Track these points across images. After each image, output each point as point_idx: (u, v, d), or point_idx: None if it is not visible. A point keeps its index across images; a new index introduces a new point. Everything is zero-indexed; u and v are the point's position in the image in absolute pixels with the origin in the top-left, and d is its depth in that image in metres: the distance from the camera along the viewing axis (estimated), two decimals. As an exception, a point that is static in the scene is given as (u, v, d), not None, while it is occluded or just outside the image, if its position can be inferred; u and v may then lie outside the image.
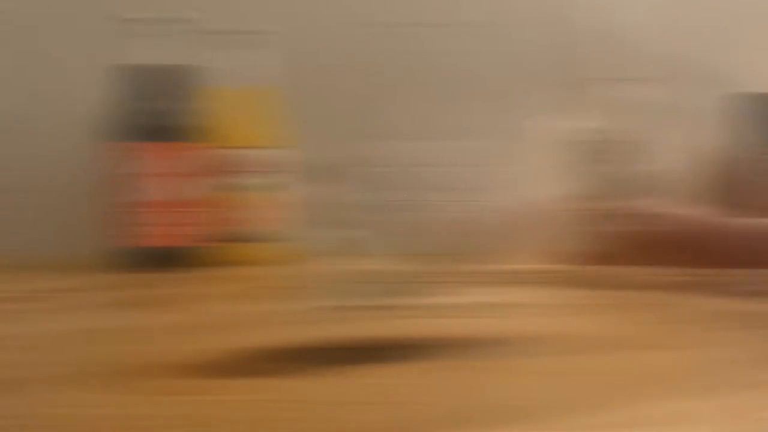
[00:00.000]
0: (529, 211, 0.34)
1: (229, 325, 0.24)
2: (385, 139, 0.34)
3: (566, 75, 0.65)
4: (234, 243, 0.46)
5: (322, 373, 0.17)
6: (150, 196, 0.41)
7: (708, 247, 0.32)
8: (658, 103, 0.34)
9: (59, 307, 0.28)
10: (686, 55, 0.70)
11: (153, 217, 0.41)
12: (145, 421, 0.14)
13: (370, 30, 0.57)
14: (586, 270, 0.34)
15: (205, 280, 0.38)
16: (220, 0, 0.52)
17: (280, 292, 0.33)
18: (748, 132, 0.61)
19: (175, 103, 0.44)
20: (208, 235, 0.46)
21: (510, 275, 0.40)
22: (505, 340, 0.21)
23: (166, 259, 0.42)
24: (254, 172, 0.46)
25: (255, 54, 0.48)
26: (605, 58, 0.65)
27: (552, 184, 0.35)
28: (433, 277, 0.32)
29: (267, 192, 0.48)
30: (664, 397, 0.15)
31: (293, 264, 0.46)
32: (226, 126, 0.46)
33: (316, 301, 0.29)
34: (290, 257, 0.50)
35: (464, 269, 0.34)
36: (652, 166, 0.34)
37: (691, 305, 0.28)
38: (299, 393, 0.16)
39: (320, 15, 0.55)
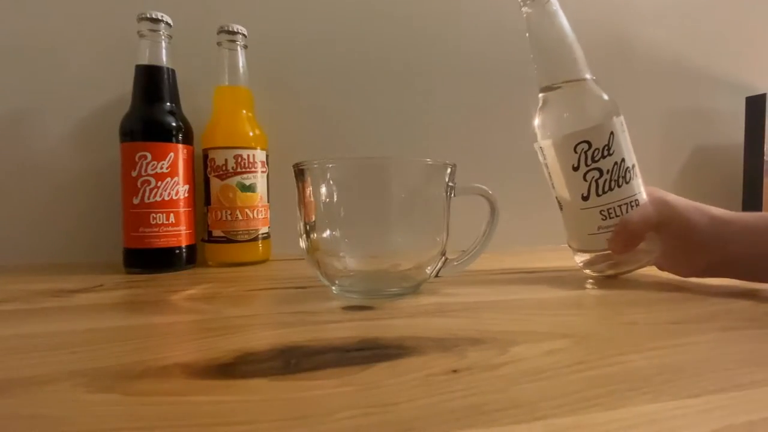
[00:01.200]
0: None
1: (227, 326, 0.24)
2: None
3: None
4: (231, 243, 0.46)
5: (317, 374, 0.17)
6: (150, 197, 0.41)
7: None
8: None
9: (59, 308, 0.28)
10: (702, 58, 0.70)
11: (153, 218, 0.41)
12: (144, 422, 0.14)
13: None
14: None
15: (202, 280, 0.38)
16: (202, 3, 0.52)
17: (275, 292, 0.33)
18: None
19: (172, 103, 0.44)
20: (206, 235, 0.46)
21: (515, 274, 0.40)
22: (492, 339, 0.21)
23: (165, 259, 0.42)
24: (249, 172, 0.46)
25: (241, 56, 0.48)
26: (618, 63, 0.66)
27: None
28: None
29: (261, 192, 0.48)
30: (653, 396, 0.15)
31: (285, 263, 0.46)
32: (219, 127, 0.46)
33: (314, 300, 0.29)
34: (282, 256, 0.51)
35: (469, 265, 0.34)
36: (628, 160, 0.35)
37: (685, 305, 0.28)
38: (292, 393, 0.16)
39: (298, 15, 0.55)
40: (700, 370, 0.18)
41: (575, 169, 0.35)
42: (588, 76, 0.36)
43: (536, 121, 0.38)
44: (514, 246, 0.59)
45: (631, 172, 0.35)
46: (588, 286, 0.35)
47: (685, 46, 0.70)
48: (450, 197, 0.31)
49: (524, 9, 0.37)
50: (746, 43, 0.74)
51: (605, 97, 0.35)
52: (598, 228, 0.35)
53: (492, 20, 0.61)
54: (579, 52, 0.36)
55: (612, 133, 0.34)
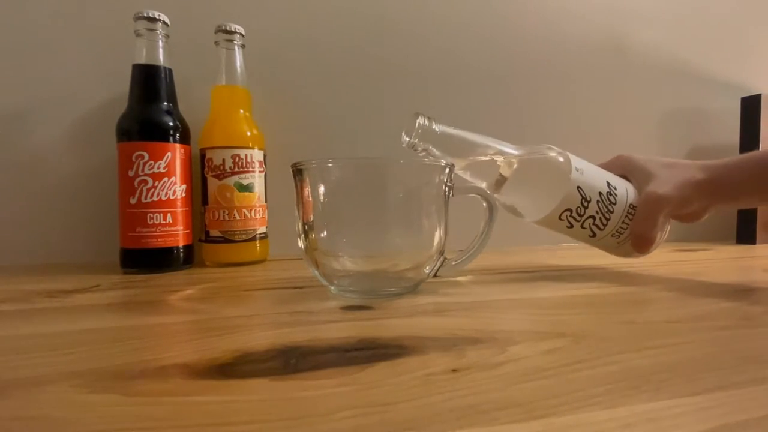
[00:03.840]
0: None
1: (225, 326, 0.24)
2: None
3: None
4: (229, 243, 0.46)
5: (317, 374, 0.17)
6: (147, 197, 0.41)
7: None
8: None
9: (55, 309, 0.28)
10: (698, 59, 0.71)
11: (150, 218, 0.41)
12: (144, 422, 0.14)
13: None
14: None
15: (200, 280, 0.38)
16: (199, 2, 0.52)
17: (273, 292, 0.33)
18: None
19: (170, 103, 0.43)
20: (203, 235, 0.46)
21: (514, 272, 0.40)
22: (491, 339, 0.21)
23: (162, 259, 0.42)
24: (246, 172, 0.46)
25: (238, 55, 0.48)
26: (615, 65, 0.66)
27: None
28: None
29: (259, 191, 0.48)
30: (651, 395, 0.15)
31: (283, 263, 0.46)
32: (216, 126, 0.46)
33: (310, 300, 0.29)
34: (280, 256, 0.50)
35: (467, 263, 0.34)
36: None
37: (682, 304, 0.28)
38: (292, 393, 0.16)
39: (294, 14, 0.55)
40: (697, 368, 0.18)
41: (570, 227, 0.36)
42: (522, 152, 0.36)
43: (505, 204, 0.37)
44: (512, 245, 0.60)
45: (612, 192, 0.36)
46: (586, 285, 0.35)
47: (681, 47, 0.71)
48: (448, 197, 0.31)
49: (426, 146, 0.34)
50: (742, 44, 0.74)
51: (560, 159, 0.35)
52: (618, 243, 0.37)
53: (490, 23, 0.61)
54: (494, 142, 0.36)
55: (579, 187, 0.35)
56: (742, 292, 0.32)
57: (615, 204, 0.36)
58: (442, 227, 0.31)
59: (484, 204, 0.33)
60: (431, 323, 0.24)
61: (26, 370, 0.18)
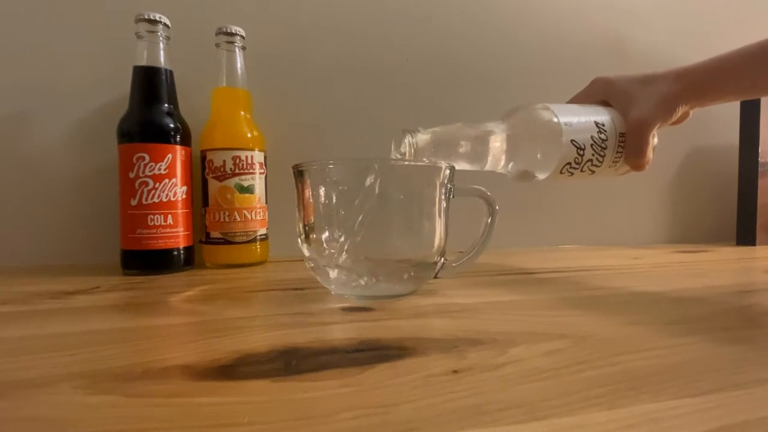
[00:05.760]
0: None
1: (226, 327, 0.24)
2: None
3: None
4: (229, 244, 0.46)
5: (318, 375, 0.18)
6: (147, 198, 0.41)
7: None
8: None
9: (56, 310, 0.28)
10: (697, 59, 0.71)
11: (151, 219, 0.41)
12: (146, 424, 0.14)
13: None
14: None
15: (200, 281, 0.38)
16: (198, 3, 0.52)
17: (273, 293, 0.33)
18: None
19: (170, 105, 0.43)
20: (204, 236, 0.46)
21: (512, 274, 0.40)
22: (491, 340, 0.21)
23: (162, 260, 0.42)
24: (247, 174, 0.46)
25: (239, 57, 0.48)
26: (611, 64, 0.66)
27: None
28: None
29: (259, 193, 0.48)
30: (652, 396, 0.15)
31: (283, 264, 0.46)
32: (217, 128, 0.46)
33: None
34: (280, 257, 0.50)
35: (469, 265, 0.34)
36: None
37: (682, 305, 0.28)
38: (293, 394, 0.16)
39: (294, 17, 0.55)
40: (697, 369, 0.18)
41: (571, 175, 0.38)
42: (509, 122, 0.36)
43: (511, 174, 0.39)
44: (513, 247, 0.60)
45: (602, 130, 0.37)
46: (586, 286, 0.35)
47: (680, 47, 0.71)
48: (449, 198, 0.31)
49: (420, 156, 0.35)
50: (741, 44, 0.74)
51: (553, 119, 0.36)
52: (615, 170, 0.39)
53: (489, 23, 0.62)
54: (481, 124, 0.36)
55: (572, 140, 0.36)
56: (742, 294, 0.32)
57: (606, 140, 0.37)
58: (443, 229, 0.31)
59: (485, 205, 0.33)
60: (432, 324, 0.24)
61: (27, 371, 0.18)
